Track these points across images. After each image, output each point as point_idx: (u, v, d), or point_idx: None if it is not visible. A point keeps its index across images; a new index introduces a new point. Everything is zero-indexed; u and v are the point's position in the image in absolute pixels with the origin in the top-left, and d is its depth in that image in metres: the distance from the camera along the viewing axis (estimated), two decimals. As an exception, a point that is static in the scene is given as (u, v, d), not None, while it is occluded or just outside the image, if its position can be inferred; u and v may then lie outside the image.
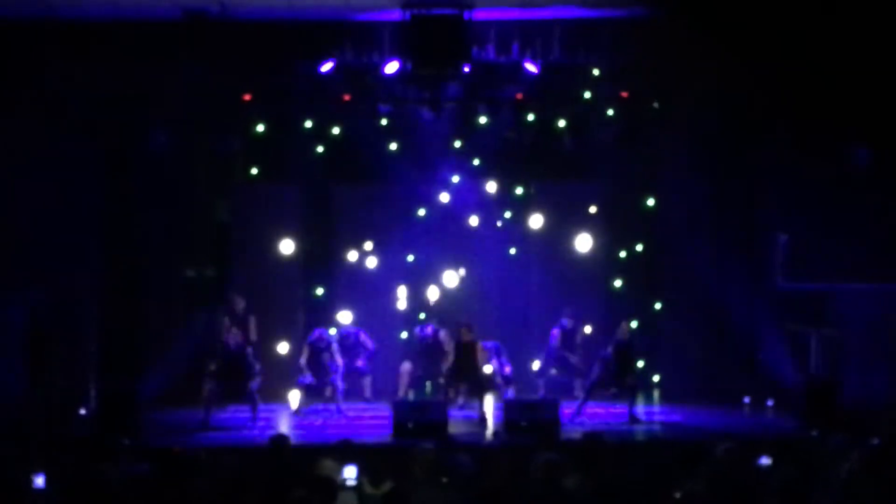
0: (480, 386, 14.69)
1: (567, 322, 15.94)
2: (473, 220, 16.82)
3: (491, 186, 17.05)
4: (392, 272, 16.94)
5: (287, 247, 16.61)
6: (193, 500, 8.09)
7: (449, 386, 15.03)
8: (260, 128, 16.16)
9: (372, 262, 16.74)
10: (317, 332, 15.42)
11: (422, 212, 16.92)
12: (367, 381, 15.96)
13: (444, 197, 16.84)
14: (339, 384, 15.15)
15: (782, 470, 8.61)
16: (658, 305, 16.78)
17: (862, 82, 14.45)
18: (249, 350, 14.78)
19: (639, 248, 16.97)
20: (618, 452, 9.90)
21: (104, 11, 14.28)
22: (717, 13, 14.57)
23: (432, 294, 16.51)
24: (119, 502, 8.01)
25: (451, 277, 16.67)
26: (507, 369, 15.57)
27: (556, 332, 15.97)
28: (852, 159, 15.09)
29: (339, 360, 15.22)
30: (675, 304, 16.54)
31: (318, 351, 15.20)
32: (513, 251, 16.95)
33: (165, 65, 14.64)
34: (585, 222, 16.98)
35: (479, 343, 15.00)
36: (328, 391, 15.31)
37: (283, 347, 16.14)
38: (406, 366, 15.78)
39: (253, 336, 15.60)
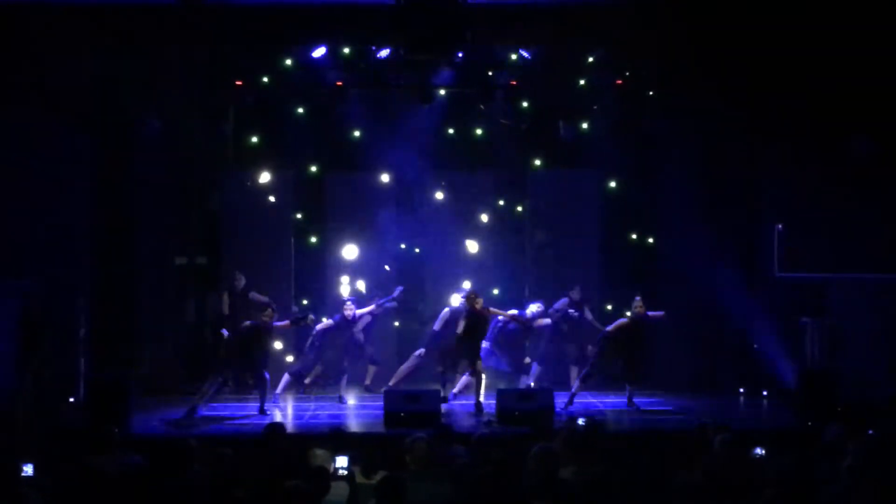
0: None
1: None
2: (467, 208, 16.77)
3: (484, 174, 17.01)
4: (384, 260, 16.91)
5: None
6: (186, 491, 8.00)
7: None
8: (252, 114, 16.08)
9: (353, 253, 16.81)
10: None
11: (415, 200, 16.87)
12: (371, 370, 15.93)
13: (440, 194, 16.83)
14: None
15: (778, 461, 8.54)
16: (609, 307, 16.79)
17: (862, 74, 14.42)
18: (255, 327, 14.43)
19: (633, 236, 16.94)
20: (613, 443, 9.81)
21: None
22: (715, 1, 14.54)
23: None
24: (112, 493, 7.92)
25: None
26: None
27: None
28: (850, 150, 15.03)
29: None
30: (671, 293, 16.47)
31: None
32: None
33: (157, 51, 14.54)
34: (581, 209, 16.96)
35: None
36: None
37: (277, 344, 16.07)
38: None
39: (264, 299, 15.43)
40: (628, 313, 14.91)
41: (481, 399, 14.24)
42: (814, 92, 14.76)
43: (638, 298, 14.68)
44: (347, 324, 15.27)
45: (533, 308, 15.47)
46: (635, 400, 14.52)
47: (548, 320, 15.67)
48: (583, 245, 16.95)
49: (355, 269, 16.75)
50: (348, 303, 15.31)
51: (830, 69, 14.50)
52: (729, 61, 14.88)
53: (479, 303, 14.50)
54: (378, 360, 15.88)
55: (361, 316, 15.44)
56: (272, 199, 16.63)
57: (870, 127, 14.86)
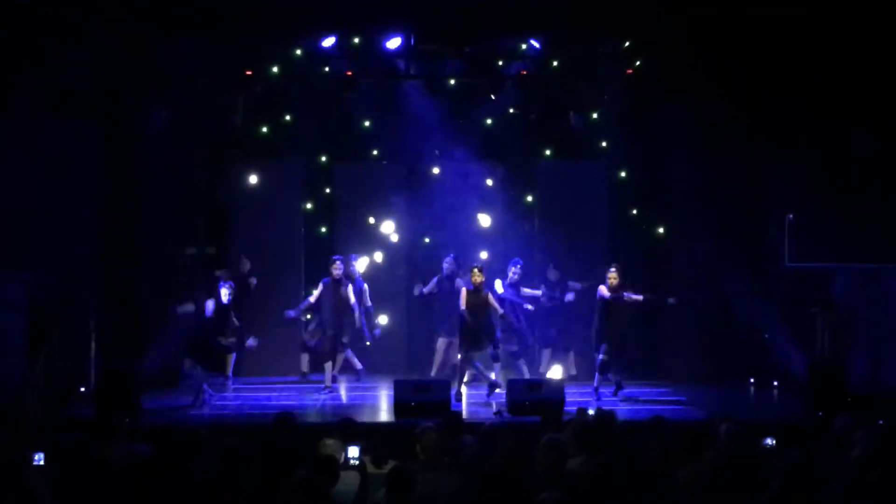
0: None
1: None
2: (477, 199, 16.76)
3: (495, 164, 17.01)
4: (391, 252, 16.94)
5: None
6: (194, 480, 8.01)
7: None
8: (261, 104, 16.08)
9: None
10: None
11: (424, 190, 16.88)
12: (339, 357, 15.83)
13: (435, 170, 16.81)
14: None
15: (787, 452, 8.52)
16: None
17: (866, 67, 14.38)
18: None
19: (643, 227, 16.91)
20: (623, 434, 9.77)
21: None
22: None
23: None
24: (120, 483, 7.92)
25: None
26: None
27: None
28: (855, 141, 14.99)
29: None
30: (680, 284, 16.44)
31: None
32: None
33: (165, 41, 14.53)
34: (590, 200, 16.93)
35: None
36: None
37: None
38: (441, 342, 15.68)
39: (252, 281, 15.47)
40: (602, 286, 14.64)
41: (462, 388, 14.14)
42: (820, 84, 14.71)
43: (612, 270, 14.38)
44: (336, 285, 15.08)
45: (498, 284, 15.33)
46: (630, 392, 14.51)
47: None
48: (591, 236, 16.91)
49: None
50: (336, 262, 15.13)
51: (837, 61, 14.46)
52: (735, 53, 14.83)
53: (480, 279, 14.17)
54: (343, 348, 15.63)
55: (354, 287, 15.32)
56: (253, 179, 16.55)
57: (875, 118, 14.82)
